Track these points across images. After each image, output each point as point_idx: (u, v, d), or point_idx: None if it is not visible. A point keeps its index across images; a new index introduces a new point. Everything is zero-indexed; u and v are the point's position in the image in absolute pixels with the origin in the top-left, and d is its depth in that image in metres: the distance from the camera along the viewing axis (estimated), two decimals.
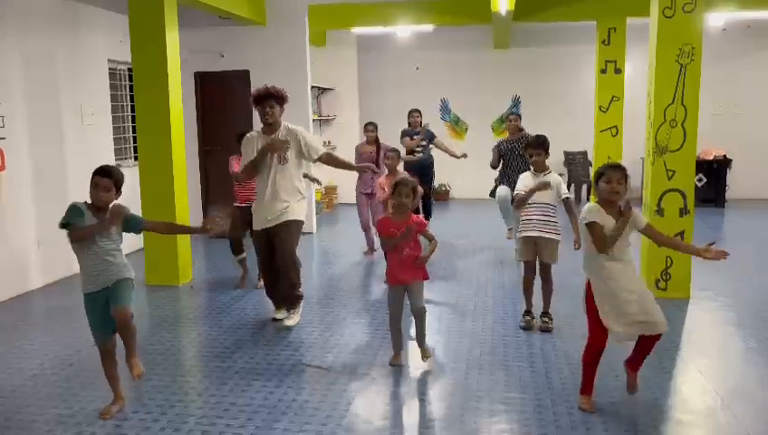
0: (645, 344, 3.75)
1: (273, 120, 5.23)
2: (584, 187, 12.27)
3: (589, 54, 11.32)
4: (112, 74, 8.17)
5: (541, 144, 5.18)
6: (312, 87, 9.76)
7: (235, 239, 6.52)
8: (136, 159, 7.60)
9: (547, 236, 5.05)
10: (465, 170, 10.97)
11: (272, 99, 5.20)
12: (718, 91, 11.60)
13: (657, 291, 5.86)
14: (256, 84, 8.77)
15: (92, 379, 4.22)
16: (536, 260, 5.20)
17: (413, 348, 4.62)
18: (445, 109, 13.00)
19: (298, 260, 5.39)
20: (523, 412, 3.76)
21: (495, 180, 7.76)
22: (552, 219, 5.10)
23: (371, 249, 8.02)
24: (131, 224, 3.74)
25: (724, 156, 11.50)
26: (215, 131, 9.57)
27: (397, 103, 11.56)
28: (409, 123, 8.67)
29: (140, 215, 6.32)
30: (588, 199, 12.05)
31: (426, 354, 4.48)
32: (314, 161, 5.47)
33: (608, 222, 3.61)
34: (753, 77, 12.08)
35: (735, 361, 4.62)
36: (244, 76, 9.26)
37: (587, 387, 3.80)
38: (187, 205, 6.96)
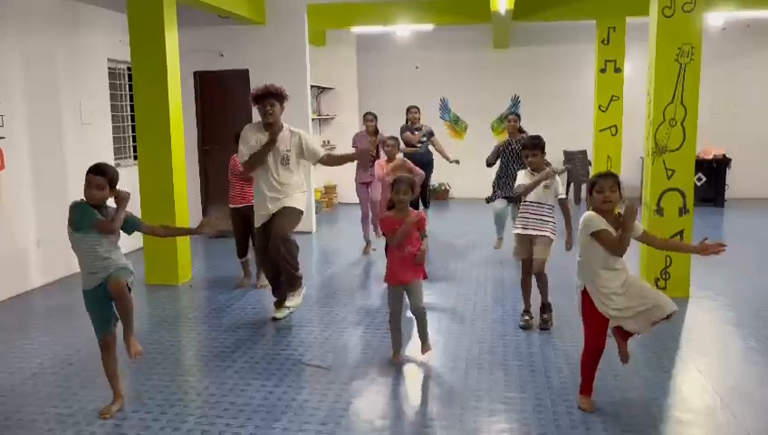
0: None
1: (273, 119, 5.23)
2: (584, 186, 12.26)
3: (588, 54, 11.31)
4: (112, 74, 8.17)
5: (536, 145, 5.18)
6: (312, 86, 9.77)
7: (239, 241, 6.54)
8: (135, 158, 7.60)
9: (540, 233, 5.07)
10: (465, 170, 10.94)
11: (271, 97, 5.20)
12: (718, 90, 11.60)
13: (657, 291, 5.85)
14: (256, 84, 8.79)
15: (92, 378, 4.22)
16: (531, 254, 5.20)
17: (412, 347, 4.62)
18: (444, 108, 13.00)
19: (294, 242, 5.27)
20: (523, 412, 3.76)
21: (492, 185, 7.70)
22: (546, 218, 5.11)
23: (368, 247, 8.04)
24: (128, 224, 3.75)
25: (724, 155, 11.50)
26: (214, 131, 9.57)
27: (396, 103, 11.53)
28: (408, 120, 8.67)
29: (140, 214, 6.39)
30: (587, 199, 12.04)
31: (426, 348, 4.49)
32: (315, 164, 5.48)
33: (607, 228, 3.62)
34: (753, 76, 12.08)
35: (735, 360, 4.62)
36: (243, 75, 9.26)
37: (586, 387, 3.80)
38: (187, 204, 6.96)
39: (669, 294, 5.71)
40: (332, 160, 5.44)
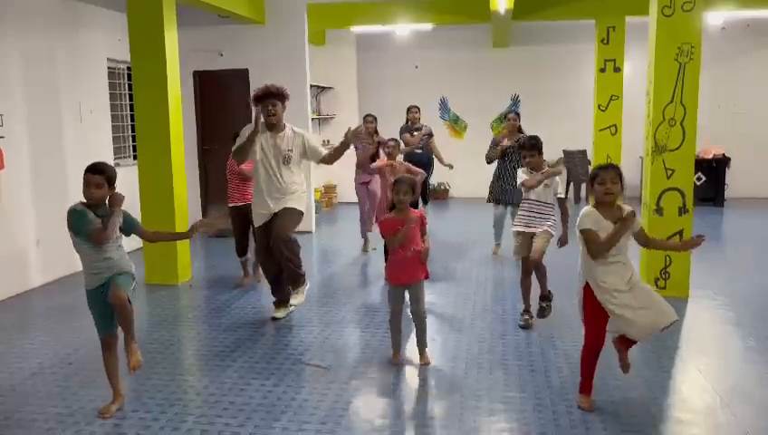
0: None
1: (276, 119, 5.24)
2: (583, 185, 12.27)
3: (588, 53, 11.32)
4: (111, 73, 8.16)
5: (534, 145, 5.19)
6: (312, 86, 9.77)
7: (239, 240, 6.55)
8: (135, 157, 7.59)
9: (539, 230, 5.08)
10: (465, 170, 10.97)
11: (273, 97, 5.20)
12: (717, 89, 11.61)
13: (657, 290, 5.84)
14: (255, 83, 8.83)
15: (92, 378, 4.22)
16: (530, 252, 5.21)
17: (412, 347, 4.61)
18: (444, 108, 13.00)
19: (296, 241, 5.30)
20: (523, 411, 3.77)
21: (490, 186, 7.69)
22: (547, 215, 5.12)
23: (367, 246, 8.05)
24: (126, 225, 3.77)
25: (723, 155, 11.51)
26: (214, 130, 9.57)
27: (396, 102, 11.54)
28: (408, 120, 8.67)
29: (139, 214, 6.40)
30: (587, 198, 12.05)
31: (424, 360, 4.48)
32: (318, 163, 5.48)
33: (604, 226, 3.61)
34: (753, 76, 12.09)
35: (734, 360, 4.62)
36: (243, 75, 9.26)
37: (586, 386, 3.80)
38: (186, 203, 6.96)
39: (669, 294, 5.80)
40: (333, 157, 5.41)
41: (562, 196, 5.28)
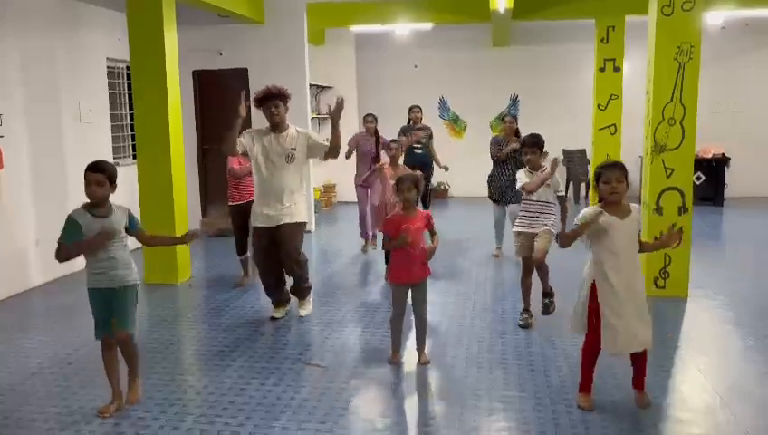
0: (635, 361, 3.77)
1: (279, 119, 5.23)
2: (582, 185, 12.28)
3: (588, 53, 11.31)
4: (111, 73, 8.16)
5: (535, 143, 5.19)
6: (311, 85, 9.77)
7: (239, 239, 6.55)
8: (134, 157, 7.59)
9: (538, 231, 5.08)
10: (464, 169, 10.98)
11: (275, 98, 5.19)
12: (717, 89, 11.61)
13: (656, 289, 5.86)
14: (255, 83, 8.84)
15: (91, 377, 4.21)
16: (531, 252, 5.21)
17: (412, 347, 4.61)
18: (443, 107, 13.00)
19: (304, 257, 5.46)
20: (522, 411, 3.77)
21: (488, 180, 7.68)
22: (548, 214, 5.13)
23: (367, 245, 8.06)
24: (131, 225, 3.78)
25: (723, 154, 11.52)
26: (213, 130, 9.55)
27: (395, 101, 11.55)
28: (410, 119, 8.65)
29: (139, 213, 6.40)
30: (586, 198, 12.06)
31: (423, 360, 4.48)
32: (327, 156, 5.47)
33: (610, 221, 3.61)
34: (752, 75, 12.09)
35: (734, 359, 4.62)
36: (242, 74, 9.25)
37: (585, 385, 3.80)
38: (186, 203, 6.96)
39: (668, 294, 5.81)
40: (334, 142, 5.37)
41: (562, 193, 5.28)
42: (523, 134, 7.62)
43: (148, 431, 3.57)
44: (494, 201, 7.62)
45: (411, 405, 3.97)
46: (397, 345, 4.52)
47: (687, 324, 5.38)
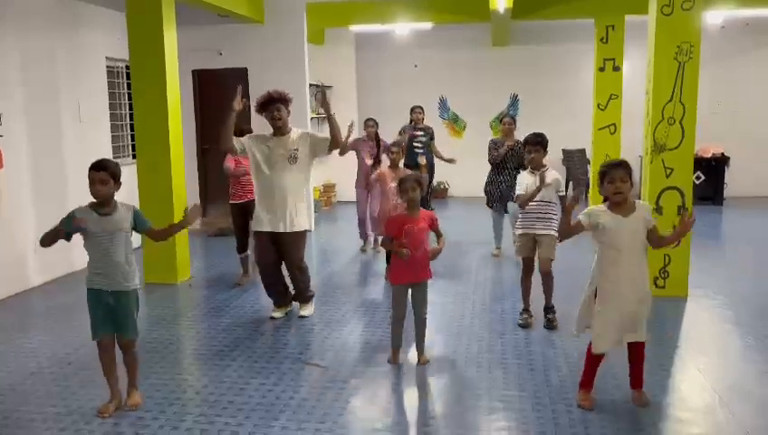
0: (632, 354, 3.78)
1: (282, 123, 5.23)
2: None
3: (587, 52, 11.30)
4: (110, 72, 8.16)
5: (539, 142, 5.19)
6: (311, 85, 9.76)
7: (239, 237, 6.56)
8: (134, 156, 7.59)
9: (544, 232, 5.08)
10: (464, 169, 10.95)
11: (277, 102, 5.19)
12: (716, 88, 11.61)
13: (656, 289, 5.86)
14: (255, 82, 8.85)
15: (91, 377, 4.21)
16: (535, 257, 5.21)
17: (411, 347, 4.61)
18: (443, 107, 13.00)
19: (306, 266, 5.54)
20: (522, 410, 3.76)
21: (485, 188, 7.67)
22: (550, 215, 5.12)
23: (365, 243, 8.07)
24: (138, 224, 3.76)
25: (723, 153, 11.52)
26: (213, 129, 9.53)
27: (395, 101, 11.56)
28: (412, 120, 8.63)
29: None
30: (586, 198, 12.06)
31: (422, 360, 4.48)
32: (331, 149, 5.46)
33: (613, 220, 3.62)
34: (752, 75, 12.09)
35: (734, 358, 4.62)
36: (242, 74, 9.25)
37: (587, 382, 3.79)
38: (185, 203, 6.94)
39: (668, 293, 5.81)
40: (333, 134, 5.33)
41: (563, 193, 5.27)
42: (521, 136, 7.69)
43: (147, 431, 3.57)
44: (492, 206, 7.62)
45: (411, 405, 3.98)
46: (397, 345, 4.52)
47: (687, 324, 5.38)
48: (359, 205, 8.04)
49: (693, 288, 5.99)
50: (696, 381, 4.17)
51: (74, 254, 7.07)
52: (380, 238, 6.54)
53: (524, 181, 5.19)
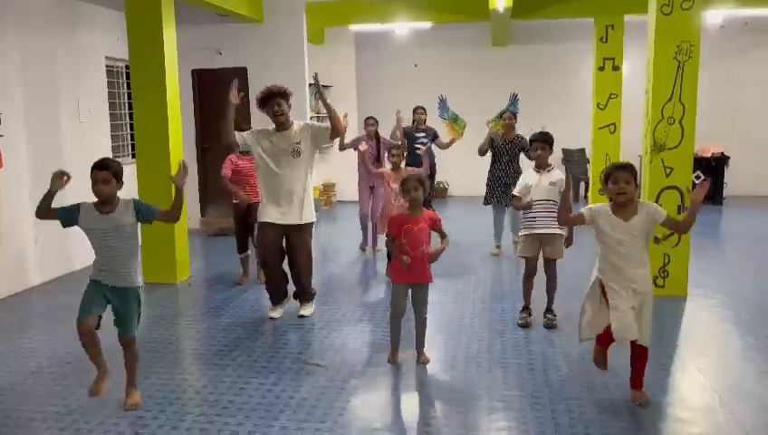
0: (635, 355, 3.78)
1: (284, 118, 5.23)
2: (582, 184, 12.27)
3: (587, 52, 11.30)
4: (110, 72, 8.15)
5: (546, 139, 5.21)
6: (310, 84, 9.75)
7: (240, 237, 6.55)
8: (133, 156, 7.58)
9: (551, 232, 5.07)
10: (464, 168, 10.97)
11: (277, 97, 5.19)
12: (716, 88, 11.61)
13: (656, 289, 5.82)
14: (254, 82, 8.83)
15: (91, 377, 4.18)
16: (538, 257, 5.20)
17: (411, 346, 4.61)
18: (443, 106, 12.97)
19: (312, 258, 5.57)
20: (522, 410, 3.76)
21: (486, 185, 7.74)
22: (553, 214, 5.11)
23: (366, 243, 8.08)
24: (143, 214, 3.73)
25: (722, 153, 11.52)
26: (212, 129, 9.53)
27: (395, 101, 11.46)
28: (414, 120, 8.62)
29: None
30: (585, 197, 12.06)
31: (422, 360, 4.48)
32: (332, 137, 5.45)
33: (613, 222, 3.63)
34: (751, 74, 12.09)
35: (734, 358, 4.62)
36: (242, 73, 9.23)
37: (603, 341, 3.88)
38: (185, 202, 6.94)
39: (667, 293, 5.81)
40: (332, 121, 5.31)
41: None
42: (521, 134, 7.74)
43: (147, 431, 3.57)
44: (494, 201, 7.64)
45: (411, 405, 3.97)
46: (396, 345, 4.52)
47: (687, 323, 5.38)
48: (361, 202, 8.05)
49: (692, 288, 5.99)
50: (696, 381, 4.17)
51: (74, 254, 7.09)
52: (381, 238, 6.55)
53: (526, 179, 5.19)
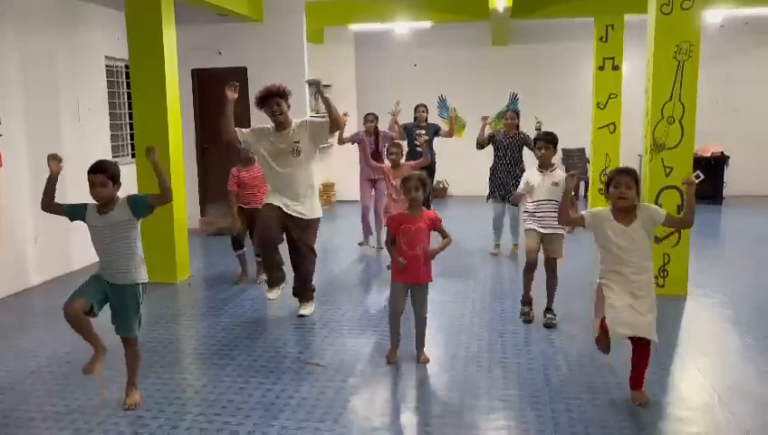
0: (637, 355, 3.78)
1: (283, 118, 5.22)
2: (581, 184, 12.26)
3: (587, 51, 11.31)
4: (110, 72, 8.15)
5: (550, 139, 5.24)
6: (310, 84, 9.74)
7: (236, 235, 6.55)
8: (133, 156, 7.58)
9: (553, 231, 5.09)
10: (463, 168, 10.97)
11: (276, 97, 5.19)
12: (716, 87, 11.61)
13: (655, 288, 5.84)
14: (254, 81, 8.83)
15: (90, 376, 4.20)
16: (538, 250, 5.21)
17: (411, 346, 4.61)
18: (443, 106, 12.97)
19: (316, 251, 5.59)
20: (522, 410, 3.76)
21: (489, 182, 7.75)
22: (555, 214, 5.13)
23: (366, 239, 8.08)
24: (138, 206, 3.72)
25: (722, 153, 11.52)
26: (212, 129, 9.52)
27: (394, 100, 11.52)
28: (415, 118, 8.64)
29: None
30: (585, 196, 12.06)
31: (422, 359, 4.48)
32: (332, 131, 5.43)
33: (614, 228, 3.65)
34: (751, 74, 12.09)
35: (733, 358, 4.62)
36: (241, 73, 9.23)
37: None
38: (185, 202, 6.96)
39: (667, 292, 5.81)
40: (330, 114, 5.29)
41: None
42: (523, 130, 7.75)
43: (146, 430, 3.56)
44: (494, 198, 7.65)
45: (410, 404, 3.97)
46: (395, 344, 4.52)
47: (686, 323, 5.38)
48: (362, 199, 8.06)
49: (692, 287, 6.00)
50: (696, 381, 4.17)
51: (73, 253, 7.09)
52: (383, 234, 6.56)
53: (529, 179, 5.22)
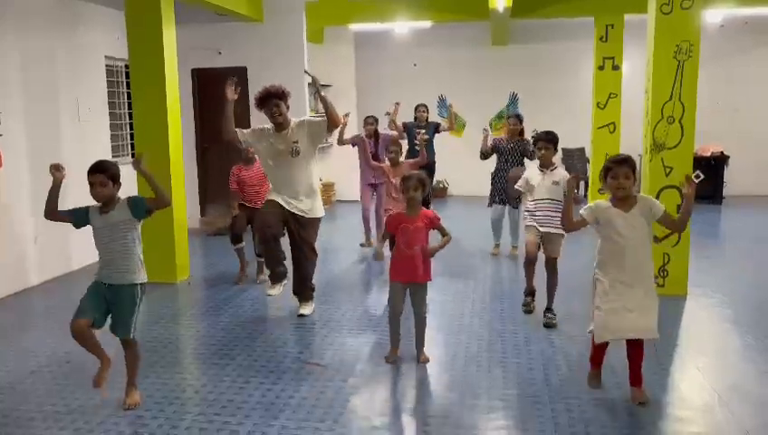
0: (630, 351, 3.78)
1: (282, 119, 5.23)
2: (581, 183, 12.26)
3: (587, 51, 11.31)
4: (110, 72, 8.15)
5: (550, 139, 5.25)
6: (309, 84, 9.75)
7: (235, 232, 6.55)
8: (133, 156, 7.57)
9: (552, 231, 5.10)
10: (463, 168, 10.97)
11: (275, 98, 5.19)
12: (716, 87, 11.60)
13: (655, 288, 5.85)
14: (254, 81, 8.83)
15: (90, 376, 4.19)
16: (538, 245, 5.23)
17: (411, 345, 4.61)
18: (442, 105, 12.98)
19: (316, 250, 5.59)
20: (521, 409, 3.76)
21: (491, 186, 7.76)
22: (555, 213, 5.13)
23: (369, 241, 8.09)
24: (138, 208, 3.72)
25: (722, 152, 11.52)
26: (212, 129, 9.52)
27: (394, 100, 11.53)
28: (415, 117, 8.64)
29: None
30: (585, 196, 12.06)
31: (422, 359, 4.48)
32: (329, 129, 5.43)
33: (615, 215, 3.64)
34: (751, 73, 12.09)
35: (733, 358, 4.62)
36: (241, 73, 9.23)
37: (595, 363, 3.88)
38: (185, 202, 6.96)
39: (667, 292, 5.81)
40: (328, 112, 5.29)
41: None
42: (528, 138, 7.73)
43: (146, 430, 3.57)
44: (495, 202, 7.65)
45: (410, 404, 3.97)
46: (395, 343, 4.52)
47: (686, 323, 5.38)
48: (362, 199, 8.06)
49: (692, 287, 6.00)
50: (696, 380, 4.17)
51: (73, 253, 7.09)
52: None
53: (529, 177, 5.24)
